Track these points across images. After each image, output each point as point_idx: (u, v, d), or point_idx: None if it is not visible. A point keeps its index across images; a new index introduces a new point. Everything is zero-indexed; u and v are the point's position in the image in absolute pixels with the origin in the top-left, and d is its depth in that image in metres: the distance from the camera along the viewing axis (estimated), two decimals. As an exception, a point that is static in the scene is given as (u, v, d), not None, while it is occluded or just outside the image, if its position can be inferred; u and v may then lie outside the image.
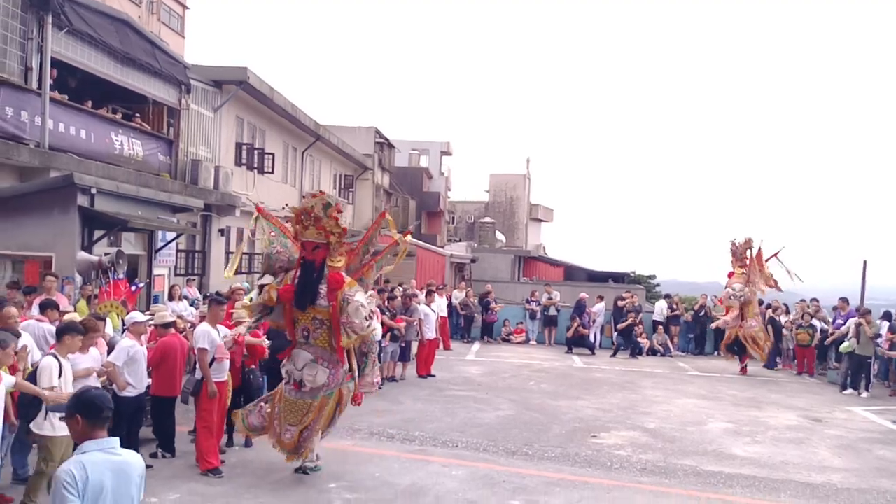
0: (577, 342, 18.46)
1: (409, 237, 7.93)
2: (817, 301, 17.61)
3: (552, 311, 19.74)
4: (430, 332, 14.03)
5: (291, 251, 7.40)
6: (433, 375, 13.70)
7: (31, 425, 5.92)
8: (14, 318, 6.84)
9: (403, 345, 13.15)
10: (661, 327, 19.14)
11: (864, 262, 17.58)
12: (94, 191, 10.69)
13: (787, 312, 17.79)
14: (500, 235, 44.29)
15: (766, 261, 16.30)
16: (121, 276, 10.26)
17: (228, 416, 8.00)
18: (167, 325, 7.88)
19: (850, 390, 13.90)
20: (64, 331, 6.28)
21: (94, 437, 3.08)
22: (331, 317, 7.02)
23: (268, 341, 8.63)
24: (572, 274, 35.84)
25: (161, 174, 14.82)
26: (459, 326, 19.91)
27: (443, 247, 31.79)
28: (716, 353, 18.53)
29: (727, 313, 16.37)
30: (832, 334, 15.48)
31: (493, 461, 8.22)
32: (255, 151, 20.12)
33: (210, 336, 7.51)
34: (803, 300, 17.80)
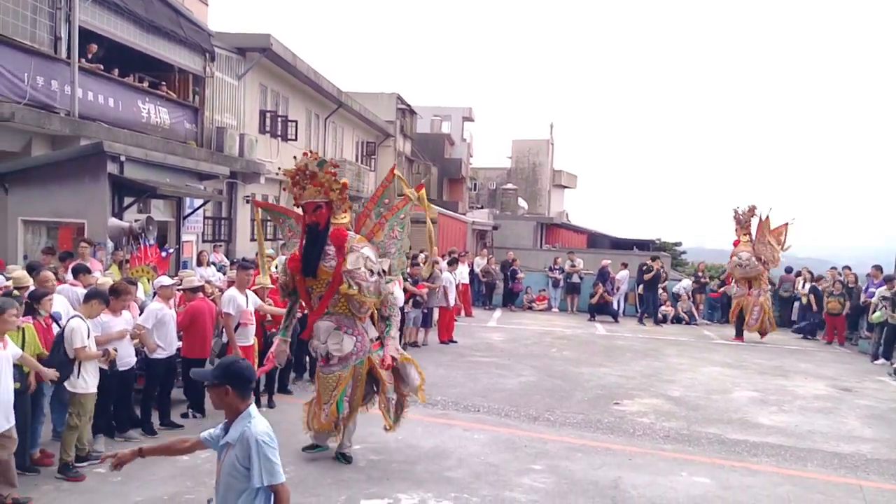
0: (599, 310, 18.48)
1: (422, 191, 7.51)
2: (849, 268, 17.39)
3: (575, 279, 19.74)
4: (451, 300, 14.18)
5: (297, 229, 7.07)
6: (455, 342, 13.87)
7: (66, 383, 6.15)
8: (51, 282, 7.08)
9: (426, 311, 13.29)
10: (686, 295, 19.05)
11: None
12: (123, 158, 10.87)
13: (815, 279, 17.65)
14: (522, 202, 44.12)
15: (774, 231, 16.07)
16: (151, 241, 10.47)
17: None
18: (195, 290, 8.08)
19: (882, 360, 13.73)
20: (91, 296, 6.49)
21: (246, 405, 3.27)
22: (335, 276, 6.57)
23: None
24: (596, 241, 35.68)
25: (187, 142, 14.99)
26: (481, 293, 20.03)
27: (464, 214, 31.78)
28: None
29: (729, 282, 16.28)
30: (865, 303, 15.26)
31: (514, 426, 8.36)
32: (279, 119, 20.20)
33: (236, 301, 7.68)
34: (834, 268, 17.59)
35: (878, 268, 15.57)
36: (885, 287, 13.89)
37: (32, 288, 6.81)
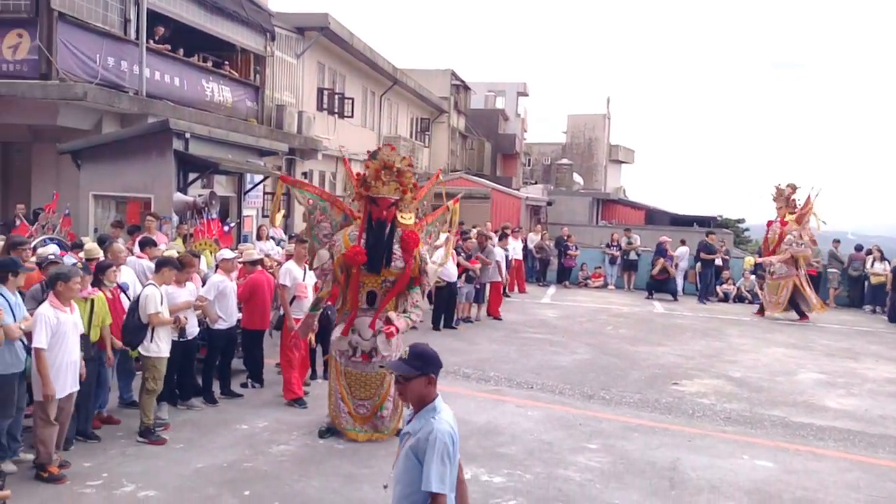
0: (658, 287, 18.09)
1: (456, 204, 7.39)
2: None
3: (632, 256, 19.38)
4: (503, 274, 14.14)
5: (332, 215, 6.95)
6: (499, 318, 13.80)
7: (140, 348, 6.41)
8: (123, 254, 7.39)
9: (479, 286, 13.27)
10: (749, 273, 18.51)
11: None
12: (188, 135, 11.15)
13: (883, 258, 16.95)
14: (577, 178, 43.43)
15: (810, 206, 15.67)
16: (214, 216, 10.75)
17: (312, 350, 8.40)
18: (255, 263, 8.28)
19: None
20: (162, 263, 6.74)
21: (436, 395, 3.12)
22: (401, 278, 6.58)
23: None
24: (654, 217, 34.93)
25: (248, 119, 15.30)
26: (535, 270, 19.89)
27: (518, 189, 31.52)
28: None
29: (769, 255, 15.78)
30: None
31: (569, 404, 8.31)
32: (336, 96, 20.39)
33: (292, 274, 7.84)
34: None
35: None
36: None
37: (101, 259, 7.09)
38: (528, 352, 10.94)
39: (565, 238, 20.10)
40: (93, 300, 6.13)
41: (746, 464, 6.63)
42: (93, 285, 6.23)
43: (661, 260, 17.98)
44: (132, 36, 11.90)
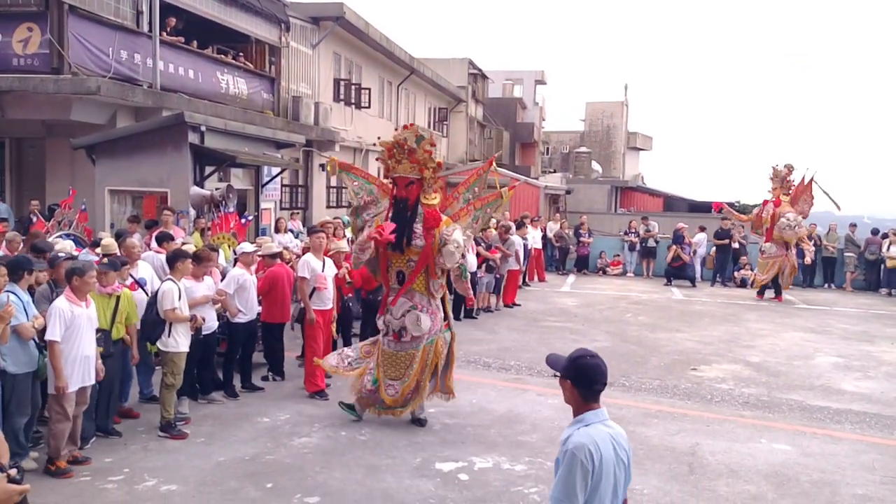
0: (676, 274, 17.97)
1: (511, 192, 7.43)
2: None
3: (651, 243, 19.25)
4: (521, 263, 14.13)
5: (378, 196, 7.08)
6: (518, 305, 13.78)
7: (158, 343, 6.44)
8: (137, 249, 7.41)
9: (499, 276, 13.23)
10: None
11: None
12: (203, 128, 11.15)
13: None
14: (596, 166, 43.13)
15: (807, 187, 15.76)
16: (231, 209, 10.76)
17: (333, 341, 8.41)
18: (274, 256, 8.28)
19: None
20: (174, 258, 6.73)
21: (591, 407, 2.91)
22: (422, 256, 6.63)
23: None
24: (672, 204, 34.63)
25: (265, 111, 15.30)
26: (554, 258, 19.81)
27: (537, 178, 31.36)
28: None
29: (767, 240, 15.83)
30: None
31: (589, 391, 8.24)
32: (353, 87, 20.33)
33: (310, 266, 7.82)
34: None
35: None
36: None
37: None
38: (548, 340, 10.90)
39: (580, 226, 20.01)
40: (118, 297, 6.16)
41: (764, 447, 6.61)
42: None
43: (674, 247, 17.89)
44: (145, 28, 11.90)
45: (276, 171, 14.19)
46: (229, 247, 9.61)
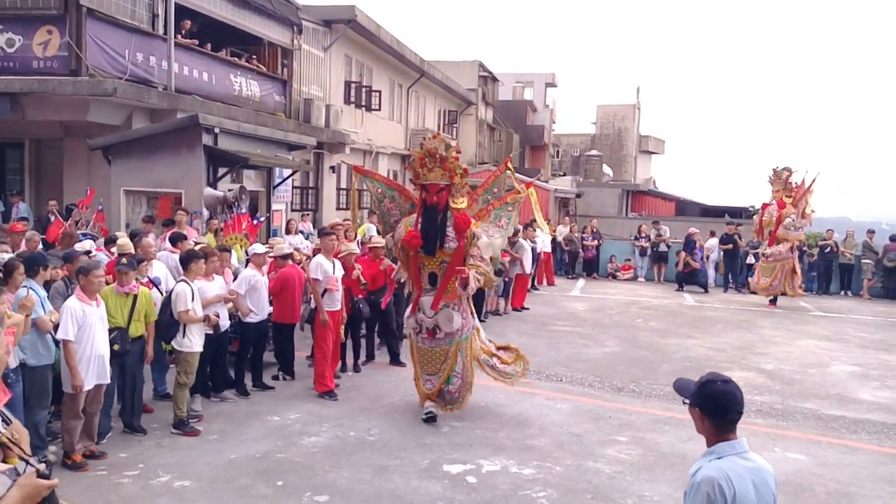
0: (688, 279, 17.90)
1: (531, 189, 7.85)
2: None
3: (662, 248, 19.19)
4: (528, 267, 14.13)
5: (400, 202, 7.46)
6: (527, 308, 13.78)
7: (173, 342, 6.52)
8: (153, 248, 7.50)
9: (507, 279, 13.24)
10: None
11: None
12: (217, 130, 11.25)
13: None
14: (607, 169, 43.01)
15: (808, 190, 15.81)
16: (244, 210, 10.84)
17: (342, 343, 8.47)
18: (285, 257, 8.35)
19: None
20: (187, 259, 6.81)
21: (725, 438, 2.65)
22: (454, 257, 6.93)
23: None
24: (684, 209, 34.49)
25: (276, 113, 15.40)
26: (563, 262, 19.79)
27: (547, 181, 31.33)
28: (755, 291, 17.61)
29: (771, 244, 15.75)
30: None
31: (598, 397, 8.26)
32: (363, 89, 20.41)
33: (322, 267, 7.87)
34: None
35: None
36: None
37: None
38: (557, 344, 10.89)
39: (584, 229, 20.01)
40: (135, 295, 6.24)
41: (778, 456, 6.52)
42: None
43: (683, 254, 17.85)
44: (160, 31, 12.02)
45: (287, 172, 14.28)
46: (241, 247, 9.69)
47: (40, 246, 8.01)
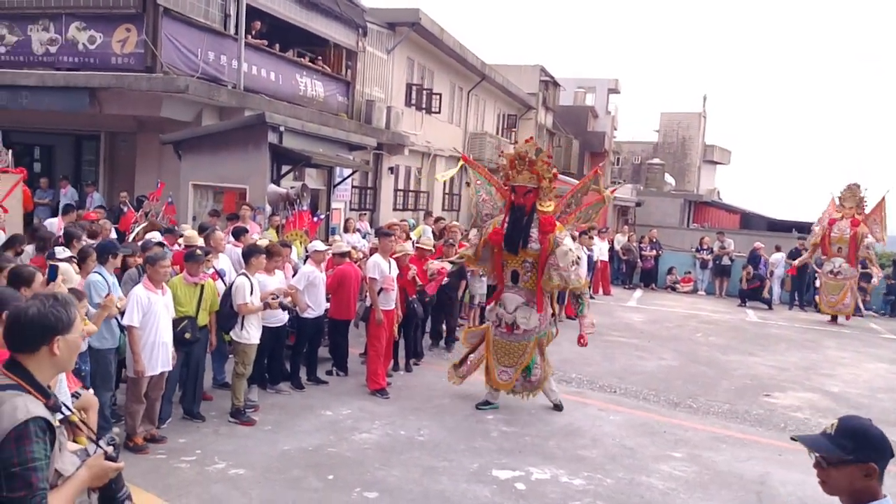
0: (751, 295, 17.36)
1: (613, 194, 8.11)
2: None
3: (725, 261, 18.67)
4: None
5: (496, 199, 7.74)
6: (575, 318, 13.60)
7: (231, 333, 6.68)
8: (224, 242, 7.74)
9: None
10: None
11: None
12: (282, 129, 11.48)
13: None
14: (669, 178, 42.19)
15: (877, 208, 15.53)
16: (305, 207, 11.03)
17: (395, 342, 8.54)
18: (343, 255, 8.46)
19: None
20: (249, 253, 6.96)
21: (883, 492, 2.19)
22: (539, 259, 7.24)
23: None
24: (750, 222, 33.52)
25: (339, 114, 15.64)
26: (620, 272, 19.46)
27: (607, 188, 30.87)
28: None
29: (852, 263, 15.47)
30: None
31: (653, 410, 8.09)
32: (424, 92, 20.55)
33: (380, 267, 7.95)
34: None
35: None
36: None
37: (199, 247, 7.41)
38: (611, 355, 10.71)
39: (641, 239, 19.63)
40: (203, 286, 6.43)
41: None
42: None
43: (748, 268, 17.33)
44: (231, 31, 12.36)
45: (347, 172, 14.47)
46: (301, 244, 9.86)
47: (113, 234, 8.34)
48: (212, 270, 7.01)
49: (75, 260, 6.16)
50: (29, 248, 7.08)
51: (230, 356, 7.41)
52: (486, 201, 7.84)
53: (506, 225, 7.29)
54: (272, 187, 11.26)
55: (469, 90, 24.38)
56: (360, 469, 5.75)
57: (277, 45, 13.89)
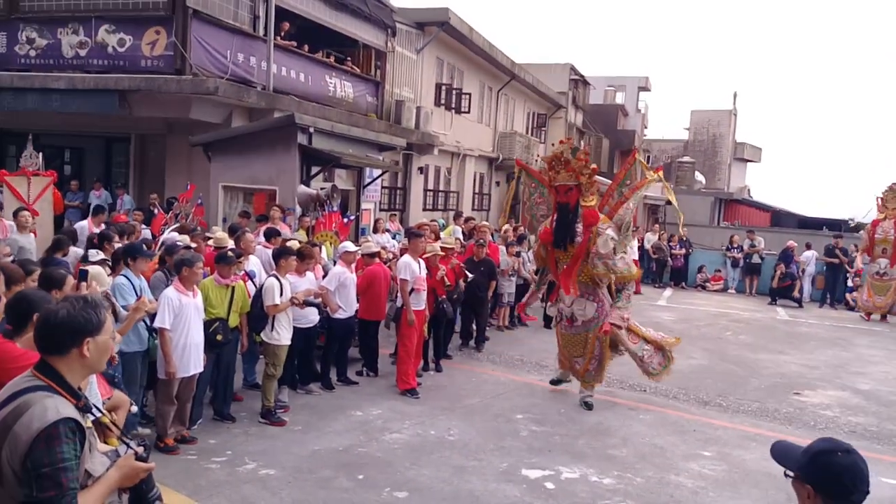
0: (782, 293, 17.13)
1: (660, 173, 8.19)
2: None
3: (755, 259, 18.43)
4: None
5: (549, 199, 8.02)
6: None
7: (262, 334, 6.77)
8: (254, 244, 7.83)
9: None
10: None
11: None
12: (311, 130, 11.54)
13: None
14: (699, 176, 41.61)
15: None
16: (335, 208, 11.12)
17: (425, 342, 8.60)
18: (373, 255, 8.52)
19: None
20: (279, 255, 7.04)
21: None
22: (577, 250, 7.48)
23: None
24: (781, 220, 32.97)
25: (368, 114, 15.72)
26: (651, 270, 19.31)
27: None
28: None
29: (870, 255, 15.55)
30: None
31: (683, 409, 8.04)
32: (453, 91, 20.56)
33: (411, 268, 7.99)
34: None
35: None
36: None
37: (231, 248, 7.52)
38: (640, 354, 10.63)
39: (671, 238, 19.44)
40: (233, 287, 6.52)
41: (872, 481, 6.12)
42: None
43: (781, 266, 17.08)
44: (260, 32, 12.48)
45: (377, 172, 14.54)
46: (331, 244, 9.95)
47: (147, 234, 8.49)
48: (242, 272, 7.10)
49: (108, 263, 6.28)
50: (78, 250, 7.23)
51: (260, 357, 7.50)
52: (540, 203, 8.20)
53: (553, 223, 7.64)
54: (302, 188, 11.35)
55: (498, 89, 24.34)
56: (390, 469, 5.80)
57: (306, 47, 14.00)
